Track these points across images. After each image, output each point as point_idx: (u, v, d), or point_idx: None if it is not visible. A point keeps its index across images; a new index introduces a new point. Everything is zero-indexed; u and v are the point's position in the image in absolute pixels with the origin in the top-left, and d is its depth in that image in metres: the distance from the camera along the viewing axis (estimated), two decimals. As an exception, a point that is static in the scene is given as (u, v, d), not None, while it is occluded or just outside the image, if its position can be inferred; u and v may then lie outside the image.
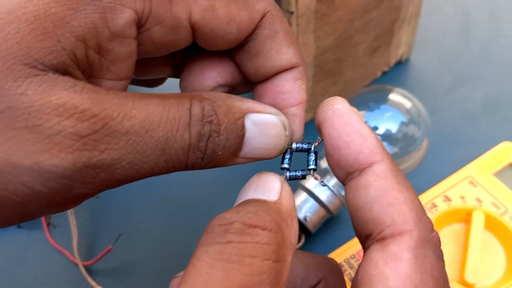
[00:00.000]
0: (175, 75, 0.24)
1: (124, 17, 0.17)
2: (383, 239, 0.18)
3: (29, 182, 0.15)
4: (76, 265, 0.37)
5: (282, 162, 0.21)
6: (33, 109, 0.14)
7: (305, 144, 0.21)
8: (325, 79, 0.43)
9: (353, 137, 0.18)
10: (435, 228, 0.18)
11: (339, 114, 0.19)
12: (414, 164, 0.39)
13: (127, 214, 0.41)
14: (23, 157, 0.15)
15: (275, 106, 0.21)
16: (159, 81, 0.26)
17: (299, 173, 0.21)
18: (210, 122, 0.18)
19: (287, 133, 0.20)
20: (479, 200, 0.35)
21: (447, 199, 0.36)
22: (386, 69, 0.49)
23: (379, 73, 0.48)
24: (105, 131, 0.15)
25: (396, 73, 0.49)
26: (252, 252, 0.16)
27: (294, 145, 0.21)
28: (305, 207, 0.36)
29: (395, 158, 0.38)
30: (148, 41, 0.18)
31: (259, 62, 0.20)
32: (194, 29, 0.19)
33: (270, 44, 0.20)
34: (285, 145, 0.20)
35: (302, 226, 0.36)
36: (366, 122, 0.19)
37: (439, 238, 0.18)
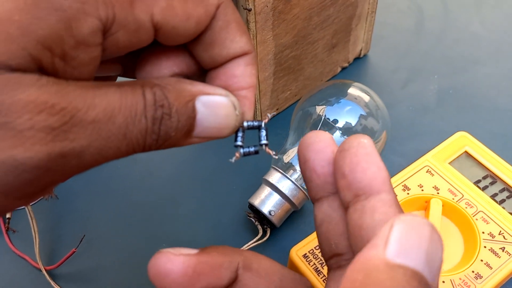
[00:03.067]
0: (126, 73, 0.24)
1: (89, 26, 0.17)
2: None
3: (1, 176, 0.16)
4: (39, 270, 0.36)
5: (236, 140, 0.22)
6: (2, 107, 0.15)
7: (255, 122, 0.23)
8: (286, 75, 0.44)
9: (370, 166, 0.19)
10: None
11: (364, 146, 0.20)
12: (374, 155, 0.40)
13: (89, 218, 0.40)
14: None
15: (227, 88, 0.22)
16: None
17: (252, 149, 0.23)
18: (162, 106, 0.19)
19: (237, 112, 0.21)
20: (436, 188, 0.36)
21: (406, 188, 0.37)
22: (345, 65, 0.50)
23: (338, 69, 0.49)
24: (73, 122, 0.17)
25: (355, 68, 0.50)
26: None
27: (245, 123, 0.22)
28: (269, 202, 0.36)
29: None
30: (112, 46, 0.19)
31: (214, 51, 0.22)
32: (156, 28, 0.20)
33: (225, 35, 0.21)
34: (236, 123, 0.21)
35: (267, 220, 0.37)
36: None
37: None
